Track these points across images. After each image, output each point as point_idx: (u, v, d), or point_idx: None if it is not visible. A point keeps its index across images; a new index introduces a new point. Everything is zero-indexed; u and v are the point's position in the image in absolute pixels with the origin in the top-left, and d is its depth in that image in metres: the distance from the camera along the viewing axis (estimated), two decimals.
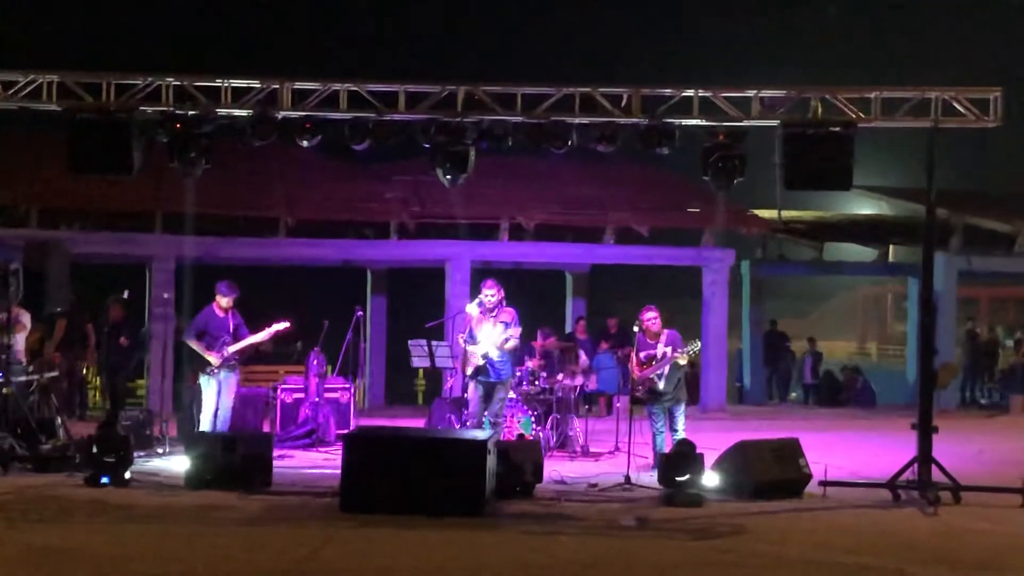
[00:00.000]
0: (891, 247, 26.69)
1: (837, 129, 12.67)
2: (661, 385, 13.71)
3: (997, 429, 19.99)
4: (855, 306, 59.15)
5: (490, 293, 13.86)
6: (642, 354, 13.82)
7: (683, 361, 13.76)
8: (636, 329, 13.92)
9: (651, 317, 13.89)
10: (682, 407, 13.96)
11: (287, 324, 14.54)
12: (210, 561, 9.08)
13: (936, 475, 12.13)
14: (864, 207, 29.44)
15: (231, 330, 14.23)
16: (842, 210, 29.61)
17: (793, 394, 25.94)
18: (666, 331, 13.89)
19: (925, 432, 12.25)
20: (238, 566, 8.97)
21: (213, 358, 14.04)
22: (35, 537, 9.67)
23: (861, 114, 12.70)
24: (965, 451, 14.99)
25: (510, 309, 14.01)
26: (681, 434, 13.54)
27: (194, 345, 14.15)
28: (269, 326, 14.47)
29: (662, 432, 13.69)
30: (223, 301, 14.26)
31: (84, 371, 19.18)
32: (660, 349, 13.73)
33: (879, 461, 13.95)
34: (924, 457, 12.18)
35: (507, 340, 13.77)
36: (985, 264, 24.61)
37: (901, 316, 47.56)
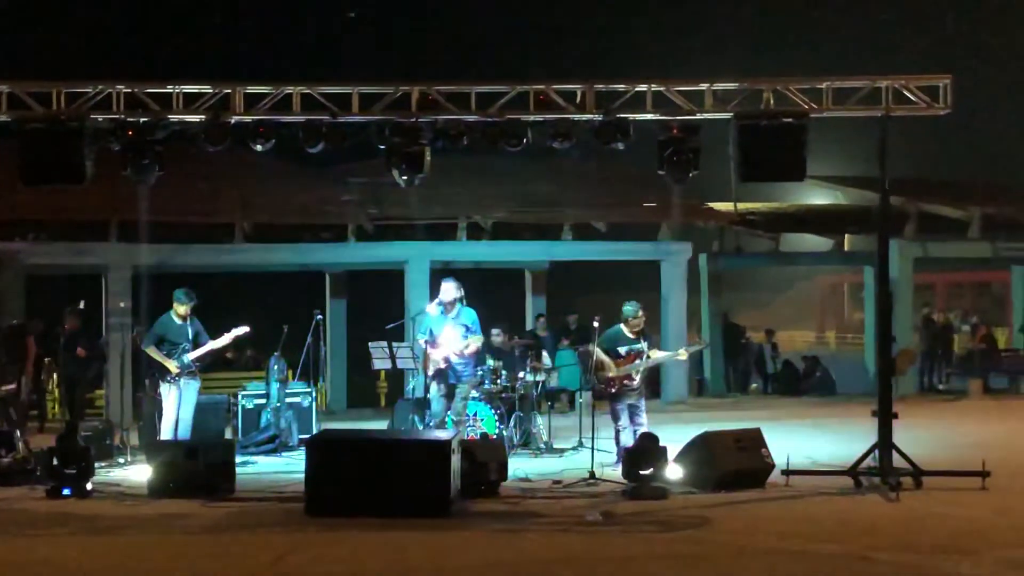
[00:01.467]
0: (847, 236, 26.87)
1: (790, 120, 12.74)
2: (636, 381, 13.77)
3: (956, 413, 20.17)
4: (813, 296, 59.50)
5: (448, 290, 13.90)
6: (622, 348, 13.82)
7: (683, 357, 14.02)
8: (623, 325, 13.91)
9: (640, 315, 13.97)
10: (643, 401, 14.02)
11: (247, 329, 14.48)
12: (175, 570, 9.04)
13: (897, 461, 12.23)
14: (819, 197, 29.61)
15: (191, 337, 14.16)
16: (797, 200, 29.78)
17: (753, 385, 26.07)
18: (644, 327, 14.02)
19: (885, 419, 12.35)
20: (204, 574, 8.92)
21: (172, 365, 13.96)
22: None
23: (813, 104, 12.78)
24: (925, 436, 15.12)
25: (470, 310, 14.04)
26: (644, 428, 13.58)
27: (153, 353, 14.07)
28: (228, 332, 14.40)
29: (627, 427, 13.70)
30: (180, 308, 14.19)
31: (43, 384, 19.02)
32: (641, 344, 13.79)
33: (840, 449, 14.05)
34: (884, 443, 12.28)
35: (468, 345, 13.81)
36: (940, 250, 24.83)
37: (858, 305, 47.94)
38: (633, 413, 13.81)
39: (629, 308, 13.96)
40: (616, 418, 13.82)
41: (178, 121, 12.87)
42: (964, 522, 10.62)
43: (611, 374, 13.78)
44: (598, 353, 13.82)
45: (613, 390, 13.79)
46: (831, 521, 10.66)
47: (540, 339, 20.43)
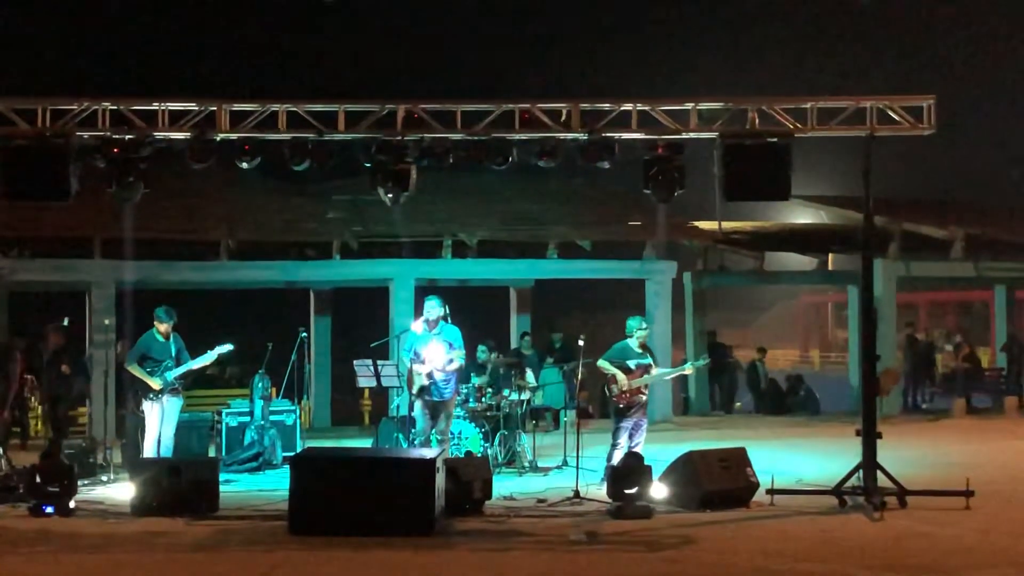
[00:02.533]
0: (830, 255, 26.94)
1: (774, 140, 12.81)
2: (646, 395, 13.77)
3: (940, 433, 20.21)
4: (796, 314, 59.67)
5: (432, 307, 13.91)
6: (631, 363, 13.80)
7: (689, 372, 14.13)
8: (630, 340, 13.92)
9: (644, 328, 13.98)
10: (645, 419, 13.94)
11: (230, 347, 14.44)
12: None
13: (882, 480, 12.25)
14: (803, 216, 29.71)
15: (173, 354, 14.11)
16: (781, 220, 29.86)
17: (738, 404, 26.08)
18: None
19: (869, 438, 12.37)
20: None
21: (155, 383, 13.91)
22: None
23: (798, 124, 12.84)
24: (909, 456, 15.14)
25: (453, 328, 14.05)
26: (640, 446, 13.54)
27: (135, 371, 14.01)
28: (212, 349, 14.36)
29: (624, 447, 13.63)
30: (162, 326, 14.14)
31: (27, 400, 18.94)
32: (648, 358, 13.78)
33: (825, 468, 14.06)
34: (869, 463, 12.29)
35: (451, 361, 13.82)
36: (923, 269, 24.92)
37: (842, 324, 48.07)
38: (635, 431, 13.76)
39: (634, 322, 13.97)
40: (617, 436, 13.75)
41: (163, 138, 12.86)
42: (948, 541, 10.63)
43: (624, 388, 13.75)
44: (607, 367, 13.79)
45: (622, 404, 13.75)
46: (815, 540, 10.67)
47: (525, 357, 20.42)
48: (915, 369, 25.53)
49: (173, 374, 14.01)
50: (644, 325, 14.01)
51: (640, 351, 13.88)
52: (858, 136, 12.89)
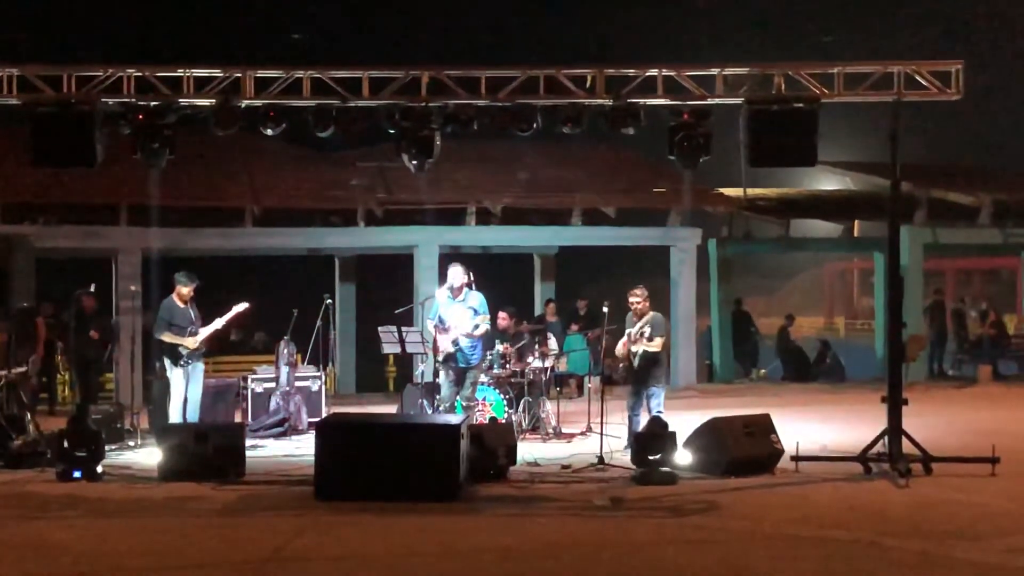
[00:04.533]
0: (856, 222, 26.82)
1: (801, 105, 12.72)
2: (635, 364, 13.70)
3: (966, 400, 20.15)
4: (822, 282, 59.42)
5: (456, 274, 13.94)
6: (627, 332, 13.80)
7: (655, 348, 13.64)
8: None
9: (634, 301, 13.81)
10: (656, 390, 13.85)
11: (246, 305, 14.46)
12: (185, 553, 9.05)
13: (907, 447, 12.22)
14: (829, 183, 29.56)
15: (193, 320, 14.18)
16: (807, 186, 29.72)
17: (763, 371, 26.04)
18: (651, 312, 13.80)
19: (895, 405, 12.34)
20: (213, 557, 8.94)
21: (190, 341, 13.97)
22: (9, 533, 9.61)
23: (824, 89, 12.75)
24: (935, 422, 15.10)
25: (477, 294, 14.07)
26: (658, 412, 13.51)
27: (168, 337, 14.04)
28: (228, 310, 14.40)
29: (636, 415, 13.63)
30: (183, 291, 14.18)
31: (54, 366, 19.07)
32: (638, 328, 13.70)
33: (850, 435, 14.05)
34: (894, 430, 12.27)
35: (476, 327, 13.84)
36: (950, 236, 24.77)
37: (868, 290, 47.86)
38: (648, 400, 13.71)
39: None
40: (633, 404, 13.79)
41: (188, 105, 12.88)
42: (974, 508, 10.61)
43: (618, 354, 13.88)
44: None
45: (618, 370, 13.81)
46: (840, 507, 10.66)
47: (549, 324, 20.42)
48: (941, 336, 25.41)
49: (199, 338, 14.08)
50: (634, 293, 13.86)
51: (635, 319, 13.79)
52: (885, 101, 12.80)
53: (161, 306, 14.38)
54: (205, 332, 14.16)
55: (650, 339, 13.45)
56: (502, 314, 16.57)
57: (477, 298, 14.02)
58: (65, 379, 19.91)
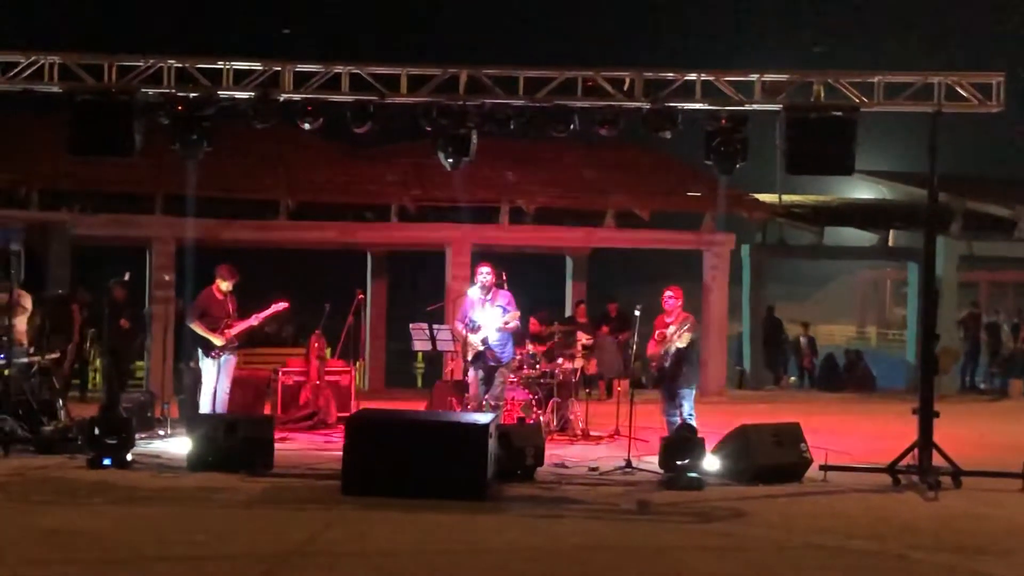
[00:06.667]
0: (891, 232, 26.68)
1: (839, 113, 12.67)
2: (667, 364, 13.69)
3: (997, 413, 20.02)
4: (854, 290, 59.14)
5: (485, 273, 13.99)
6: (657, 332, 13.80)
7: (682, 344, 13.64)
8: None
9: (668, 296, 13.86)
10: (686, 391, 13.85)
11: (285, 304, 14.56)
12: (211, 543, 9.09)
13: (937, 460, 12.15)
14: (865, 192, 29.43)
15: (230, 312, 14.25)
16: (843, 194, 29.58)
17: (792, 378, 25.95)
18: (685, 314, 13.81)
19: (926, 417, 12.27)
20: (240, 548, 8.98)
21: (217, 339, 14.06)
22: (39, 519, 9.68)
23: (864, 98, 12.69)
24: (965, 436, 15.00)
25: (506, 292, 14.11)
26: (689, 417, 13.50)
27: (198, 328, 14.15)
28: (267, 307, 14.49)
29: (672, 418, 13.62)
30: (223, 285, 14.28)
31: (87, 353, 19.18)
32: (671, 329, 13.69)
33: (879, 446, 13.97)
34: (925, 442, 12.20)
35: (507, 322, 13.88)
36: (985, 249, 24.61)
37: (900, 300, 47.60)
38: (670, 399, 13.73)
39: None
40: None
41: (227, 97, 12.93)
42: (1003, 523, 10.54)
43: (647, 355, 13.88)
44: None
45: (652, 370, 13.81)
46: (868, 518, 10.61)
47: (580, 326, 20.40)
48: (974, 349, 25.25)
49: (233, 331, 14.16)
50: (667, 294, 13.91)
51: (667, 320, 13.81)
52: (924, 112, 12.73)
53: (199, 296, 14.47)
54: (239, 328, 14.23)
55: (679, 336, 13.46)
56: (534, 320, 16.62)
57: (506, 296, 14.07)
58: (97, 366, 20.04)
